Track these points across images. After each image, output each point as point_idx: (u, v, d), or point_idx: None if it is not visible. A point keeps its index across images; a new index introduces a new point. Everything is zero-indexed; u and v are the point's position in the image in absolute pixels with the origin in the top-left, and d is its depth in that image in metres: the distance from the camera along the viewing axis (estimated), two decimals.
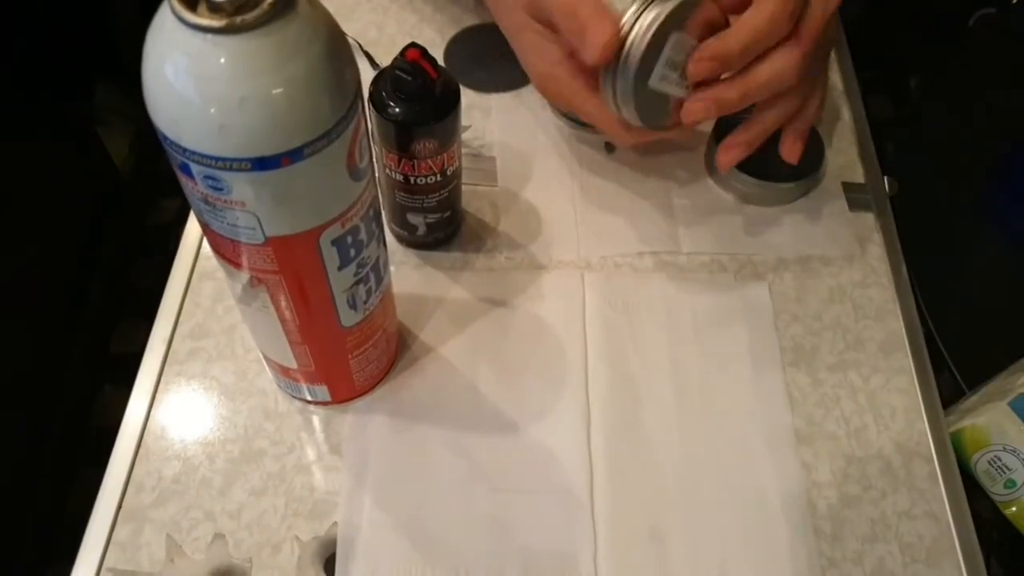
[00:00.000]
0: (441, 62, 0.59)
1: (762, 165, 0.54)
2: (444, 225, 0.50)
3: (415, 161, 0.44)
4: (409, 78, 0.41)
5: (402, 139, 0.43)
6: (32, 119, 1.02)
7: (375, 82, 0.43)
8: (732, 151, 0.49)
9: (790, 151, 0.50)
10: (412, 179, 0.45)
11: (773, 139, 0.50)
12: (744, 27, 0.42)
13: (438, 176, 0.45)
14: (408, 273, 0.51)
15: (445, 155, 0.44)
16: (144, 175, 1.24)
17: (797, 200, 0.55)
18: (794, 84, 0.45)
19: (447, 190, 0.47)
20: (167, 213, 1.27)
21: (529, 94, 0.59)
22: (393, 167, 0.45)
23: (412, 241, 0.52)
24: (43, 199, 1.03)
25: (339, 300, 0.37)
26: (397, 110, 0.42)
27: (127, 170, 1.22)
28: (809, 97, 0.48)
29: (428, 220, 0.49)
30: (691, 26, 0.44)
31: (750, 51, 0.43)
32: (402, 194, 0.47)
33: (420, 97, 0.42)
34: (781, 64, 0.44)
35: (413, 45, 0.41)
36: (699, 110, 0.45)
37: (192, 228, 0.53)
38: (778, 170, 0.53)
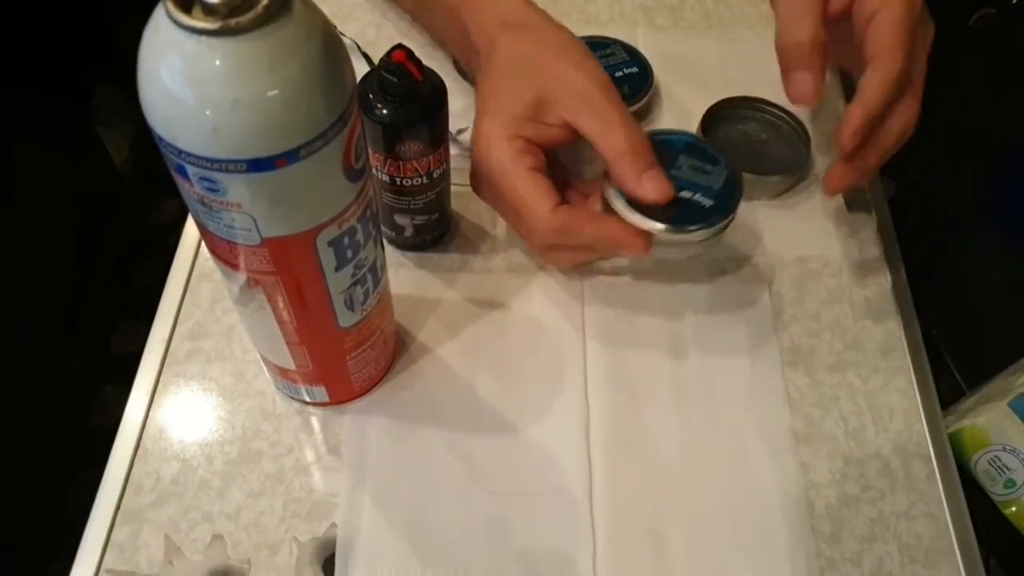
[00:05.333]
0: (444, 61, 0.59)
1: (751, 160, 0.54)
2: (432, 227, 0.50)
3: (400, 162, 0.44)
4: (394, 79, 0.41)
5: (387, 140, 0.43)
6: (32, 120, 1.02)
7: (361, 83, 0.43)
8: (846, 177, 0.46)
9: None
10: (398, 180, 0.45)
11: (758, 134, 0.49)
12: (878, 90, 0.43)
13: (424, 178, 0.45)
14: (406, 274, 0.51)
15: (431, 157, 0.44)
16: (144, 175, 1.24)
17: (789, 197, 0.55)
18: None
19: (434, 192, 0.47)
20: (167, 213, 1.27)
21: None
22: (379, 168, 0.45)
23: (400, 242, 0.52)
24: (43, 199, 1.03)
25: (336, 301, 0.37)
26: (383, 111, 0.42)
27: (127, 170, 1.22)
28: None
29: (416, 222, 0.49)
30: None
31: (888, 108, 0.44)
32: (388, 195, 0.47)
33: (405, 99, 0.41)
34: (906, 119, 0.45)
35: (399, 46, 0.41)
36: (850, 180, 0.46)
37: (191, 229, 0.53)
38: (763, 164, 0.54)
